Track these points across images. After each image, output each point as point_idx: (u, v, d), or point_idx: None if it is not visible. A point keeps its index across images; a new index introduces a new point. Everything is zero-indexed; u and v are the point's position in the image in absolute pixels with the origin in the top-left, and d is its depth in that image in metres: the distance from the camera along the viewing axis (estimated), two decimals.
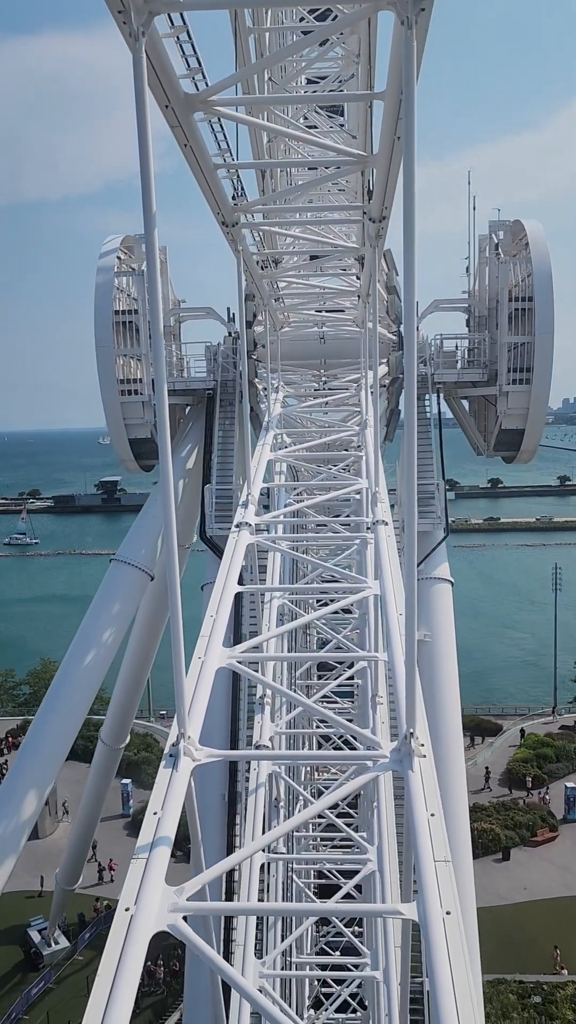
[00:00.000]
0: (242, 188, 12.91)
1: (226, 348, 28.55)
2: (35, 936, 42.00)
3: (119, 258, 27.46)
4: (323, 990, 28.01)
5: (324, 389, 25.58)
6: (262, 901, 18.60)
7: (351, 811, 24.85)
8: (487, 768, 56.05)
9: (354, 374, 23.61)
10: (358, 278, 21.88)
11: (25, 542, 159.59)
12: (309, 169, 20.65)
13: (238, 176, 12.02)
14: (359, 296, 20.62)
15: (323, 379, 26.47)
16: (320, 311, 25.56)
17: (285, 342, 24.95)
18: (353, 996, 25.28)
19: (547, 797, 53.09)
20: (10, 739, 66.19)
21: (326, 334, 25.70)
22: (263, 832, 10.95)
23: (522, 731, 62.40)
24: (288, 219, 16.16)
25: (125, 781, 54.86)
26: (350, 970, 19.33)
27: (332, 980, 26.29)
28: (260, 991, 10.31)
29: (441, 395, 28.92)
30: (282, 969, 15.19)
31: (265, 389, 24.67)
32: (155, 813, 6.44)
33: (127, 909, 5.57)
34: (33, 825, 22.49)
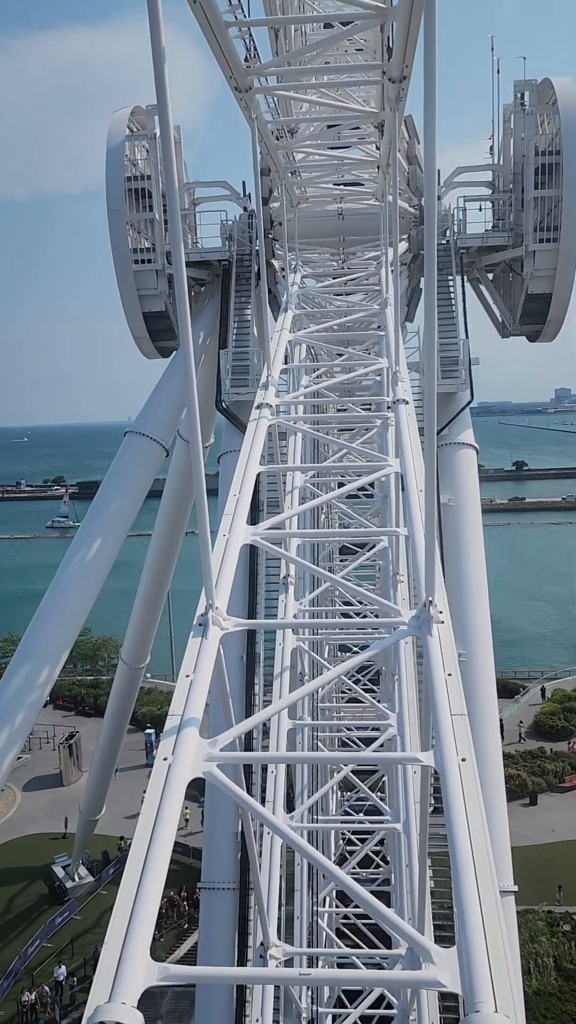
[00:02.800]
0: (255, 50, 12.26)
1: (241, 223, 27.45)
2: (59, 872, 43.01)
3: (131, 129, 26.22)
4: (347, 848, 29.99)
5: (343, 268, 24.89)
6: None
7: (374, 687, 25.88)
8: (520, 721, 57.96)
9: (374, 251, 22.91)
10: (377, 148, 20.93)
11: (67, 525, 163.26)
12: (325, 27, 19.45)
13: (251, 36, 11.41)
14: (379, 167, 19.79)
15: (342, 258, 25.71)
16: (338, 185, 24.59)
17: (303, 219, 24.13)
18: (376, 853, 27.05)
19: (574, 747, 54.60)
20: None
21: (345, 210, 24.79)
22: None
23: (543, 690, 64.05)
24: (304, 82, 15.33)
25: (149, 731, 55.78)
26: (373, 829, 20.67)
27: (355, 838, 28.09)
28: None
29: (465, 279, 27.93)
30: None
31: (283, 269, 24.04)
32: (187, 676, 6.83)
33: (165, 759, 6.01)
34: (37, 709, 21.58)
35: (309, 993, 18.99)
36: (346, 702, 28.21)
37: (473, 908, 4.71)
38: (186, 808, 44.73)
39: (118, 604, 38.97)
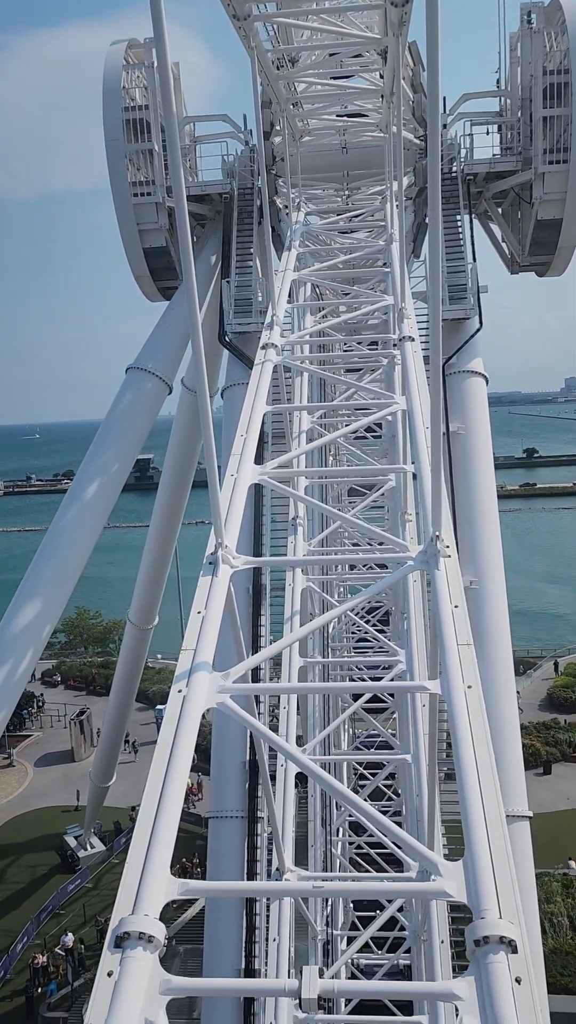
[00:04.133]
0: None
1: (243, 158, 26.76)
2: (71, 842, 43.44)
3: (127, 60, 25.44)
4: (359, 783, 30.76)
5: (348, 204, 24.39)
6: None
7: (384, 627, 26.23)
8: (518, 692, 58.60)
9: (379, 186, 22.43)
10: (381, 76, 20.31)
11: None
12: None
13: None
14: (383, 96, 19.25)
15: (346, 193, 25.17)
16: (342, 116, 23.95)
17: (305, 153, 23.56)
18: (387, 787, 27.74)
19: None
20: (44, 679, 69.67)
21: (349, 142, 24.18)
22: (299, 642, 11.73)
23: (556, 664, 64.30)
24: (304, 7, 14.84)
25: (160, 708, 55.14)
26: (383, 764, 21.17)
27: (367, 772, 28.78)
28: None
29: (473, 213, 27.26)
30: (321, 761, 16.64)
31: (286, 207, 23.57)
32: (199, 612, 6.99)
33: (180, 691, 6.19)
34: (40, 651, 20.97)
35: (325, 915, 19.75)
36: (357, 642, 28.63)
37: (478, 823, 4.91)
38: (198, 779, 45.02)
39: (129, 589, 38.33)
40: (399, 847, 9.78)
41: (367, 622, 25.30)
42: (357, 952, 22.95)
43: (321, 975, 5.07)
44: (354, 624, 26.20)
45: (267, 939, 17.96)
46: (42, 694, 65.62)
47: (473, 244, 25.26)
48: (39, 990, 33.67)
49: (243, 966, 18.88)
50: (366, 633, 24.00)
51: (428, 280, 6.09)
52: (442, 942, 11.47)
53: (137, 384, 24.59)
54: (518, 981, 4.21)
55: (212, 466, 7.22)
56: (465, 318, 24.17)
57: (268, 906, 18.25)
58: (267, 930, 18.14)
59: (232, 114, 27.48)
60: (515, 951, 4.34)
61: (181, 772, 5.62)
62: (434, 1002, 10.53)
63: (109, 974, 4.41)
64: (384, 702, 23.59)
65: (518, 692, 55.66)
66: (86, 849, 43.08)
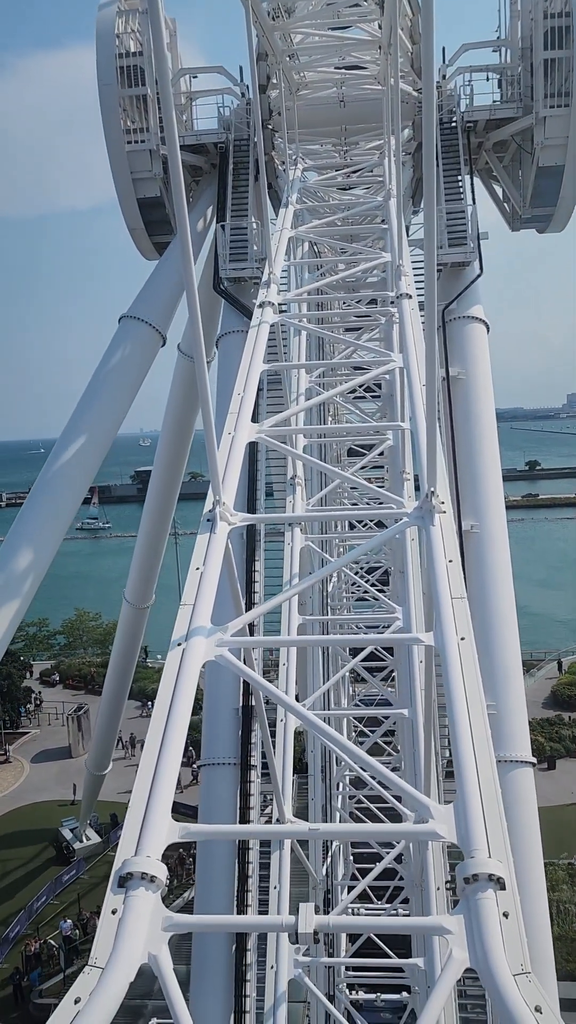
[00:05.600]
0: None
1: (239, 110, 26.20)
2: (67, 834, 43.24)
3: (120, 7, 24.79)
4: (358, 740, 31.28)
5: (346, 159, 24.01)
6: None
7: (383, 587, 26.44)
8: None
9: (378, 140, 22.09)
10: (380, 27, 19.89)
11: (98, 526, 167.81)
12: None
13: None
14: (380, 47, 18.88)
15: (344, 148, 24.77)
16: (339, 69, 23.48)
17: (302, 107, 23.15)
18: (387, 743, 28.21)
19: None
20: (43, 678, 69.70)
21: (346, 95, 23.73)
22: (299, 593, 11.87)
23: (559, 663, 65.16)
24: None
25: None
26: (382, 721, 21.51)
27: (366, 730, 29.26)
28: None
29: (475, 173, 26.75)
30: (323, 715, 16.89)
31: (283, 163, 23.23)
32: (197, 568, 7.09)
33: (179, 645, 6.32)
34: (30, 597, 19.98)
35: (325, 865, 20.20)
36: (356, 601, 28.90)
37: (469, 767, 5.06)
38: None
39: None
40: (398, 800, 10.02)
41: (366, 582, 25.54)
42: (357, 902, 23.58)
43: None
44: (353, 583, 26.42)
45: (258, 887, 18.30)
46: (40, 692, 65.72)
47: (473, 190, 24.81)
48: (26, 979, 33.39)
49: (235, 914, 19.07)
50: (365, 592, 24.20)
51: (424, 221, 6.03)
52: (438, 889, 11.81)
53: (130, 334, 23.82)
54: (505, 915, 4.39)
55: (209, 423, 7.27)
56: (465, 262, 23.77)
57: (261, 855, 18.58)
58: (260, 878, 18.50)
59: (228, 68, 26.88)
60: (503, 888, 4.51)
61: (181, 722, 5.76)
62: (430, 945, 10.89)
63: (113, 912, 4.58)
64: (383, 660, 23.91)
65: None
66: (82, 841, 42.88)
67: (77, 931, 35.45)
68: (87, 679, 67.19)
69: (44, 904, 38.09)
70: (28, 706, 62.52)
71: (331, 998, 20.89)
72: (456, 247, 23.48)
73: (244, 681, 8.97)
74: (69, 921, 35.83)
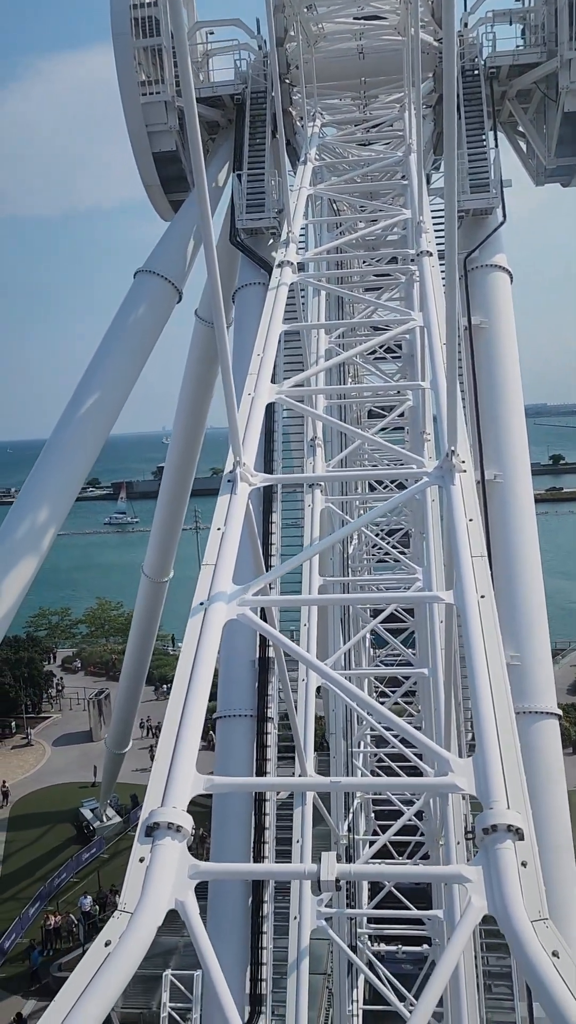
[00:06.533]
0: None
1: (256, 63, 25.59)
2: (87, 814, 43.78)
3: None
4: (379, 700, 31.55)
5: (365, 114, 23.51)
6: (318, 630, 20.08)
7: (405, 549, 26.44)
8: None
9: (398, 93, 21.57)
10: None
11: (125, 521, 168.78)
12: None
13: None
14: None
15: (363, 102, 24.24)
16: (358, 19, 22.89)
17: (320, 60, 22.63)
18: (408, 703, 28.46)
19: None
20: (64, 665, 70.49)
21: (365, 47, 23.17)
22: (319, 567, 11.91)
23: None
24: None
25: None
26: (402, 682, 21.67)
27: (387, 690, 29.50)
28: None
29: (498, 124, 26.04)
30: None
31: (301, 118, 22.79)
32: (219, 529, 7.15)
33: (201, 603, 6.40)
34: (44, 553, 19.54)
35: (347, 822, 20.53)
36: (376, 563, 28.93)
37: (488, 721, 5.12)
38: None
39: None
40: (419, 758, 10.14)
41: (387, 543, 25.55)
42: (377, 859, 23.98)
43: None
44: (374, 546, 26.45)
45: (275, 839, 18.42)
46: (61, 678, 66.60)
47: (496, 135, 24.18)
48: (42, 952, 33.64)
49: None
50: (386, 554, 24.19)
51: (444, 165, 5.91)
52: (458, 843, 12.00)
53: (145, 289, 23.36)
54: (524, 865, 4.48)
55: (229, 384, 7.25)
56: (487, 209, 23.24)
57: (279, 808, 18.72)
58: (277, 830, 18.64)
59: (245, 21, 26.29)
60: (521, 838, 4.60)
61: (205, 678, 5.86)
62: (450, 897, 11.10)
63: (141, 860, 4.72)
64: (403, 622, 24.01)
65: None
66: (102, 821, 43.21)
67: (96, 907, 35.96)
68: (108, 666, 67.68)
69: (64, 881, 38.65)
70: (50, 690, 63.40)
71: (353, 949, 21.37)
72: (478, 193, 22.97)
73: (260, 634, 8.97)
74: (89, 897, 36.32)
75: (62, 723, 59.21)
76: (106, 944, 4.39)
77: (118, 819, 43.72)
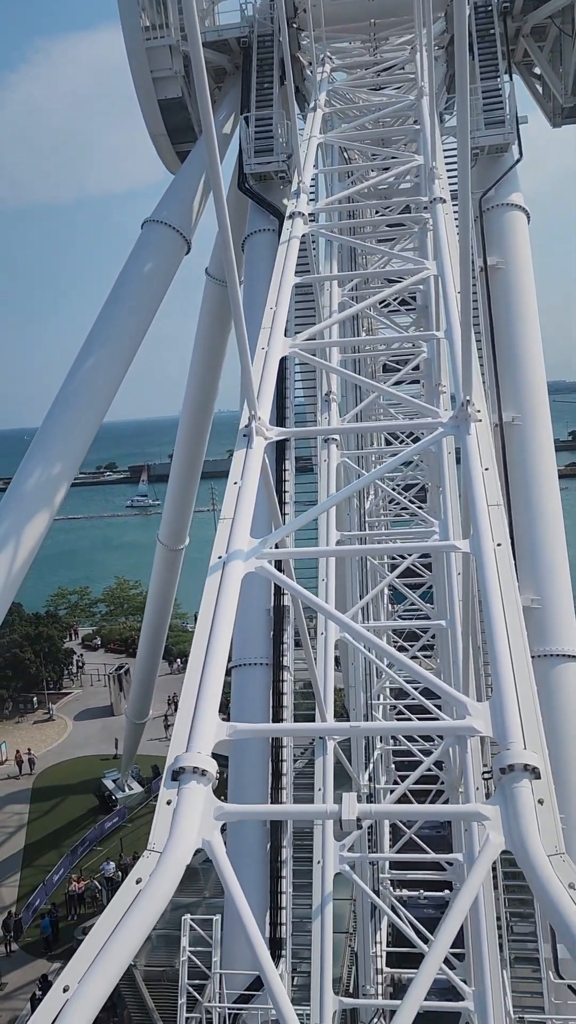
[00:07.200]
0: None
1: (262, 6, 24.84)
2: (109, 784, 44.40)
3: None
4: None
5: (376, 57, 22.89)
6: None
7: (422, 504, 26.41)
8: None
9: (409, 35, 20.98)
10: None
11: (147, 503, 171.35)
12: None
13: None
14: None
15: (373, 45, 23.59)
16: None
17: (329, 3, 22.01)
18: (427, 656, 28.67)
19: None
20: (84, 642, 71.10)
21: None
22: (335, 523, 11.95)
23: None
24: None
25: None
26: (420, 636, 21.81)
27: (405, 643, 29.74)
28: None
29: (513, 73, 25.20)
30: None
31: (310, 63, 22.24)
32: (235, 483, 7.21)
33: (220, 557, 6.49)
34: (59, 500, 19.73)
35: (368, 772, 20.87)
36: (392, 518, 28.96)
37: (505, 665, 5.20)
38: None
39: None
40: (439, 709, 10.27)
41: (404, 498, 25.55)
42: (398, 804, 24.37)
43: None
44: (391, 500, 26.45)
45: (292, 784, 18.57)
46: (82, 655, 67.43)
47: (511, 69, 23.46)
48: (53, 919, 33.95)
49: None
50: (403, 509, 24.18)
51: (457, 101, 5.79)
52: (477, 789, 12.20)
53: (153, 238, 23.04)
54: (540, 802, 4.59)
55: (243, 338, 7.24)
56: (503, 145, 22.61)
57: (296, 757, 18.79)
58: (294, 773, 18.76)
59: None
60: (538, 777, 4.70)
61: (225, 631, 5.97)
62: (470, 840, 11.32)
63: (168, 802, 4.88)
64: (421, 576, 24.10)
65: None
66: (124, 791, 43.98)
67: (119, 873, 36.65)
68: (128, 643, 68.15)
69: (88, 849, 39.54)
70: (70, 667, 64.23)
71: (375, 893, 21.89)
72: (493, 128, 22.36)
73: (274, 583, 8.97)
74: (112, 863, 37.20)
75: (83, 698, 60.07)
76: (137, 881, 4.56)
77: (140, 789, 44.40)
